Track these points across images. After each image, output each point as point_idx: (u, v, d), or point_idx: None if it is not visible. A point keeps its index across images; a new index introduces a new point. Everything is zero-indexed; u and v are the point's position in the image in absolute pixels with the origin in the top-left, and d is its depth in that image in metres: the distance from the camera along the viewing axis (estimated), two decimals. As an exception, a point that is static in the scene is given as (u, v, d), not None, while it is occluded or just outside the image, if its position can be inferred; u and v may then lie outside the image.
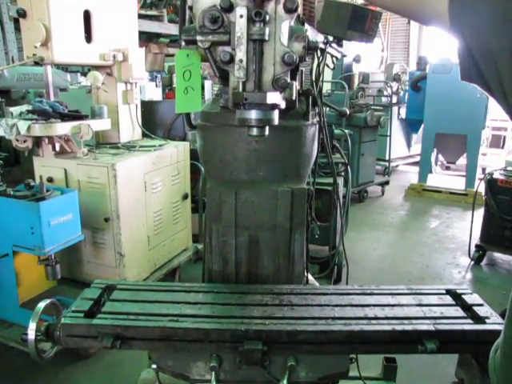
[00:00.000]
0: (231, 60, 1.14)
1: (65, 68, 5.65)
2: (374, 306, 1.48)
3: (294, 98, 1.23)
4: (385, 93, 9.17)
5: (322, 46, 1.80)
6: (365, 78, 8.40)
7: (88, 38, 3.53)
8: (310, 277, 1.91)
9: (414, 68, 10.99)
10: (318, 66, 1.81)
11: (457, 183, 7.93)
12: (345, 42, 1.98)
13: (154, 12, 8.69)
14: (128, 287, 1.57)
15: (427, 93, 7.66)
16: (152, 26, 8.33)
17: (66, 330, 1.33)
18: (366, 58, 9.58)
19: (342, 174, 4.53)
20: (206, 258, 1.78)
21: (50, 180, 3.38)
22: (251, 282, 1.71)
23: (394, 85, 9.44)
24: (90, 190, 3.30)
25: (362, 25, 1.99)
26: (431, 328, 1.32)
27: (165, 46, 9.37)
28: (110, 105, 3.87)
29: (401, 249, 5.44)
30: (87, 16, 3.48)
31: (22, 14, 3.19)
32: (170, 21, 8.78)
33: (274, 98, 1.17)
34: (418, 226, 6.29)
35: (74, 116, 3.32)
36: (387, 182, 8.05)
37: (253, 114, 1.20)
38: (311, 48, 1.23)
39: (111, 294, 1.52)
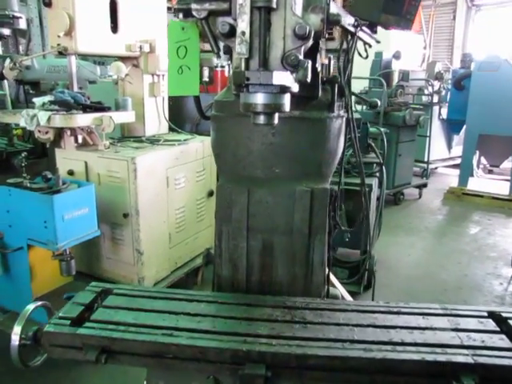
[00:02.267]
0: (232, 33, 0.96)
1: (97, 61, 5.61)
2: (401, 328, 1.27)
3: (307, 79, 1.04)
4: (425, 92, 8.78)
5: (351, 29, 1.59)
6: (404, 76, 8.03)
7: (114, 28, 3.43)
8: (332, 289, 1.72)
9: (457, 66, 10.50)
10: (347, 51, 1.61)
11: (500, 188, 7.48)
12: (384, 35, 1.77)
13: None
14: (125, 292, 1.42)
15: (471, 91, 7.24)
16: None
17: (49, 338, 1.19)
18: (406, 55, 9.18)
19: (377, 174, 4.27)
20: (215, 263, 1.61)
21: (71, 173, 3.31)
22: (263, 291, 1.53)
23: (436, 83, 9.04)
24: (109, 184, 3.20)
25: (398, 8, 1.77)
26: (470, 360, 1.11)
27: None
28: (135, 97, 3.77)
29: (437, 255, 5.12)
30: (114, 5, 3.38)
31: (48, 2, 3.12)
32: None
33: (283, 78, 0.98)
34: (457, 232, 5.93)
35: (97, 108, 3.23)
36: (425, 185, 7.68)
37: (258, 98, 1.01)
38: (331, 22, 1.03)
39: (105, 300, 1.37)
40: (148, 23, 3.68)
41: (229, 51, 1.10)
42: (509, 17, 12.25)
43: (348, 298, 1.93)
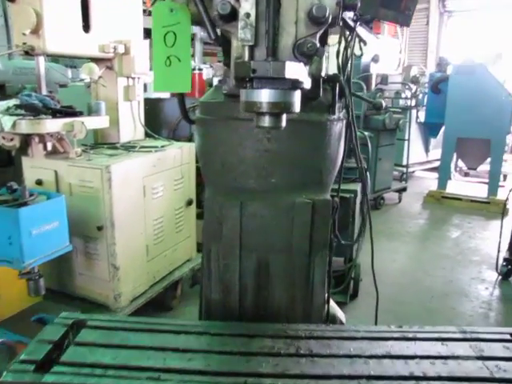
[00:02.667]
0: (233, 15, 0.79)
1: (68, 65, 5.36)
2: (421, 357, 1.12)
3: (321, 73, 0.88)
4: (403, 95, 8.78)
5: (351, 23, 1.45)
6: (383, 79, 8.01)
7: (86, 27, 3.21)
8: (333, 308, 1.56)
9: (432, 70, 10.59)
10: (346, 48, 1.46)
11: (478, 190, 7.52)
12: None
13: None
14: (101, 324, 1.22)
15: (449, 95, 7.25)
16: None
17: (9, 388, 0.98)
18: (383, 59, 9.19)
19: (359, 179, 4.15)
20: (203, 285, 1.43)
21: (40, 183, 3.07)
22: (258, 316, 1.36)
23: (413, 87, 9.07)
24: (82, 195, 2.97)
25: (396, 2, 1.64)
26: (506, 398, 0.96)
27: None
28: (109, 101, 3.55)
29: (421, 261, 5.04)
30: (85, 3, 3.17)
31: (11, -3, 2.89)
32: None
33: (296, 70, 0.82)
34: (439, 236, 5.88)
35: (67, 112, 3.00)
36: (405, 189, 7.65)
37: (264, 96, 0.84)
38: (347, 7, 0.88)
39: (78, 334, 1.17)
40: (123, 23, 3.47)
41: (225, 43, 0.93)
42: (479, 22, 12.48)
43: (342, 317, 1.76)
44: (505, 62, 8.29)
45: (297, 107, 0.92)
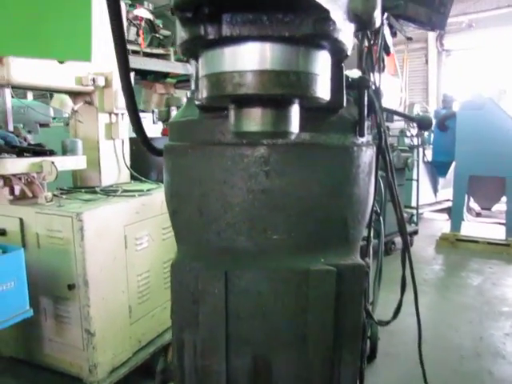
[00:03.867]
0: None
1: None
2: None
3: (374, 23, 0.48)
4: (407, 134, 8.48)
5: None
6: (389, 117, 7.70)
7: (61, 57, 2.86)
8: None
9: (434, 107, 10.38)
10: (370, 49, 1.05)
11: (495, 232, 7.04)
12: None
13: (160, 51, 8.33)
14: None
15: (457, 132, 6.92)
16: (158, 65, 7.93)
17: None
18: (384, 98, 8.95)
19: (372, 224, 3.70)
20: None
21: (3, 233, 2.63)
22: None
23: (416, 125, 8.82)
24: (50, 247, 2.53)
25: (430, -4, 1.25)
26: None
27: (171, 87, 8.96)
28: (89, 140, 3.18)
29: (443, 313, 4.50)
30: (61, 31, 2.83)
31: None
32: (178, 60, 8.39)
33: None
34: (459, 284, 5.35)
35: (35, 151, 2.61)
36: (416, 232, 7.17)
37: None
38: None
39: None
40: (104, 53, 3.12)
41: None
42: (477, 60, 12.46)
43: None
44: (509, 97, 8.07)
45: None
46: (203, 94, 0.75)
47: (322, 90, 0.73)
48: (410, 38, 1.26)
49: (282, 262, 0.86)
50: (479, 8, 10.62)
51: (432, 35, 12.94)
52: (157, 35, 8.26)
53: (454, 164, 7.24)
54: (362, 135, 0.89)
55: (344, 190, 0.88)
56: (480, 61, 12.52)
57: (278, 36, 0.66)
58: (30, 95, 7.01)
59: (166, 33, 8.56)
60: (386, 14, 1.02)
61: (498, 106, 6.65)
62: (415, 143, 8.23)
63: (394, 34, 1.33)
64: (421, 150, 8.31)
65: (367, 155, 0.93)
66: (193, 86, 0.88)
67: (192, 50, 0.77)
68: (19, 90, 3.66)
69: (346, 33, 0.69)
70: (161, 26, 8.49)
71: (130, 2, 7.57)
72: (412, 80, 13.23)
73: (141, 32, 7.68)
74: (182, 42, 0.75)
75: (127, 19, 7.08)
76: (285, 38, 0.66)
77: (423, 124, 1.51)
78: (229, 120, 0.78)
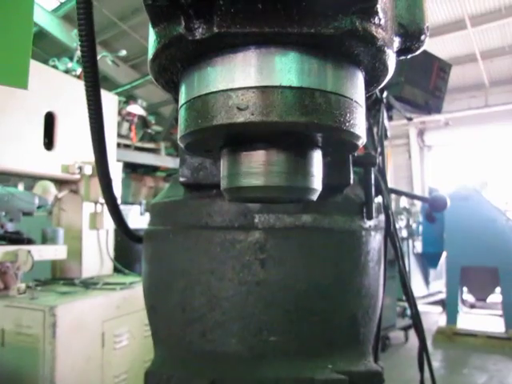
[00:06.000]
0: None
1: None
2: None
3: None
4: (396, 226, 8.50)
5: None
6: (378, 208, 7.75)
7: (49, 144, 2.83)
8: None
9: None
10: (370, 127, 0.99)
11: (493, 325, 6.78)
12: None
13: (151, 145, 8.52)
14: None
15: (446, 223, 6.96)
16: (148, 158, 8.08)
17: None
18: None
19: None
20: None
21: (-35, 330, 2.38)
22: None
23: (403, 218, 8.92)
24: (17, 346, 2.28)
25: (424, 79, 1.23)
26: None
27: (161, 180, 9.05)
28: (72, 229, 3.05)
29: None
30: (51, 119, 2.83)
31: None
32: (168, 154, 8.56)
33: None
34: (463, 383, 4.99)
35: (11, 239, 2.46)
36: (410, 326, 6.85)
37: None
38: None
39: None
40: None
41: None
42: (456, 154, 13.00)
43: None
44: (491, 189, 8.29)
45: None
46: (182, 132, 0.53)
47: (360, 125, 0.53)
48: (410, 119, 1.22)
49: (281, 370, 0.70)
50: (454, 108, 11.28)
51: (413, 132, 13.60)
52: (148, 130, 8.52)
53: (444, 255, 7.18)
54: (369, 218, 0.79)
55: (352, 281, 0.76)
56: (459, 155, 13.07)
57: (300, 35, 0.45)
58: (20, 186, 6.98)
59: (158, 128, 8.83)
60: (385, 93, 0.97)
61: (482, 197, 6.77)
62: (404, 235, 8.24)
63: (390, 117, 1.29)
64: (410, 241, 8.29)
65: (376, 240, 0.82)
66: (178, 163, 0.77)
67: (169, 69, 0.54)
68: (6, 176, 3.60)
69: (389, 45, 0.51)
70: (153, 121, 8.78)
71: (124, 100, 7.87)
72: (397, 174, 13.61)
73: (133, 127, 7.90)
74: (155, 55, 0.52)
75: (120, 115, 7.29)
76: (309, 39, 0.46)
77: (437, 205, 1.42)
78: (221, 173, 0.56)
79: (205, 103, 0.49)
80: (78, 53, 5.13)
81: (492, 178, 9.63)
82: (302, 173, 0.52)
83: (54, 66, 4.43)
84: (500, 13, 9.12)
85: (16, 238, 2.48)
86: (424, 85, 1.25)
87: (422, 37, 0.55)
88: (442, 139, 13.51)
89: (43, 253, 2.57)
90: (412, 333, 6.83)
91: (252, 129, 0.48)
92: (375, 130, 1.04)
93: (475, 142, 12.71)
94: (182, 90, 0.54)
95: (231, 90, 0.48)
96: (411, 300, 0.98)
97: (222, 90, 0.48)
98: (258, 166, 0.50)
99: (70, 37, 8.46)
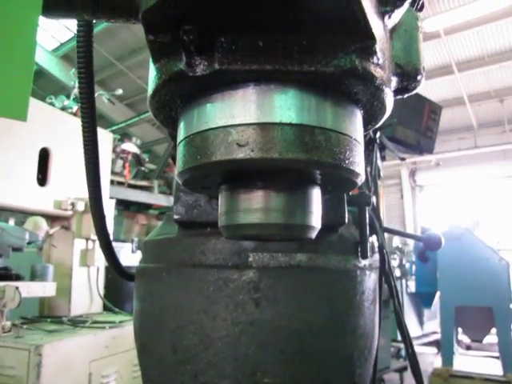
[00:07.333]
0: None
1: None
2: None
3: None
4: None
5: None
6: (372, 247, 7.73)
7: (42, 179, 2.83)
8: None
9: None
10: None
11: (490, 367, 6.64)
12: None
13: (144, 183, 8.53)
14: None
15: (439, 263, 6.96)
16: (141, 196, 8.07)
17: None
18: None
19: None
20: None
21: None
22: None
23: (397, 257, 8.92)
24: (-1, 389, 2.20)
25: (416, 121, 1.27)
26: None
27: (153, 218, 9.01)
28: (62, 266, 3.01)
29: None
30: (45, 154, 2.84)
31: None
32: (161, 192, 8.57)
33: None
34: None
35: (-1, 275, 2.41)
36: (406, 368, 6.74)
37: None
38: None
39: None
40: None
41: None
42: (447, 194, 13.12)
43: None
44: (482, 228, 8.36)
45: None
46: (180, 168, 0.52)
47: (359, 163, 0.53)
48: (403, 159, 1.24)
49: (275, 415, 0.68)
50: (444, 149, 11.49)
51: (405, 172, 13.78)
52: (142, 168, 8.55)
53: (438, 294, 7.13)
54: (364, 257, 0.79)
55: (347, 322, 0.75)
56: (450, 194, 13.21)
57: (300, 72, 0.46)
58: (11, 221, 6.93)
59: (152, 166, 8.88)
60: (378, 133, 0.99)
61: (474, 236, 6.81)
62: (397, 274, 8.21)
63: (383, 158, 1.31)
64: (403, 280, 8.25)
65: (371, 280, 0.82)
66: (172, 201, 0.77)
67: (169, 105, 0.55)
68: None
69: (387, 84, 0.53)
70: (147, 159, 8.84)
71: (119, 137, 7.94)
72: (389, 214, 13.69)
73: (127, 165, 7.93)
74: (155, 90, 0.52)
75: (115, 152, 7.33)
76: (310, 77, 0.47)
77: (431, 244, 1.42)
78: (218, 210, 0.55)
79: (204, 139, 0.49)
80: (75, 91, 5.22)
81: (483, 218, 9.72)
82: (301, 211, 0.52)
83: (51, 104, 4.49)
84: (483, 60, 9.49)
85: (4, 274, 2.44)
86: (416, 126, 1.28)
87: (419, 77, 0.57)
88: (433, 179, 13.69)
89: (31, 289, 2.52)
90: (407, 374, 6.69)
91: (252, 165, 0.48)
92: (368, 169, 1.06)
93: (466, 182, 12.89)
94: (181, 125, 0.53)
95: (231, 126, 0.48)
96: (407, 340, 0.96)
97: (222, 127, 0.48)
98: (256, 204, 0.50)
99: (67, 75, 8.63)
